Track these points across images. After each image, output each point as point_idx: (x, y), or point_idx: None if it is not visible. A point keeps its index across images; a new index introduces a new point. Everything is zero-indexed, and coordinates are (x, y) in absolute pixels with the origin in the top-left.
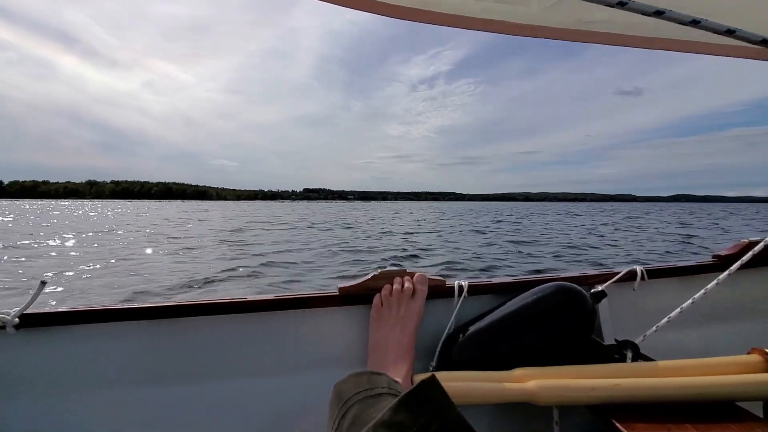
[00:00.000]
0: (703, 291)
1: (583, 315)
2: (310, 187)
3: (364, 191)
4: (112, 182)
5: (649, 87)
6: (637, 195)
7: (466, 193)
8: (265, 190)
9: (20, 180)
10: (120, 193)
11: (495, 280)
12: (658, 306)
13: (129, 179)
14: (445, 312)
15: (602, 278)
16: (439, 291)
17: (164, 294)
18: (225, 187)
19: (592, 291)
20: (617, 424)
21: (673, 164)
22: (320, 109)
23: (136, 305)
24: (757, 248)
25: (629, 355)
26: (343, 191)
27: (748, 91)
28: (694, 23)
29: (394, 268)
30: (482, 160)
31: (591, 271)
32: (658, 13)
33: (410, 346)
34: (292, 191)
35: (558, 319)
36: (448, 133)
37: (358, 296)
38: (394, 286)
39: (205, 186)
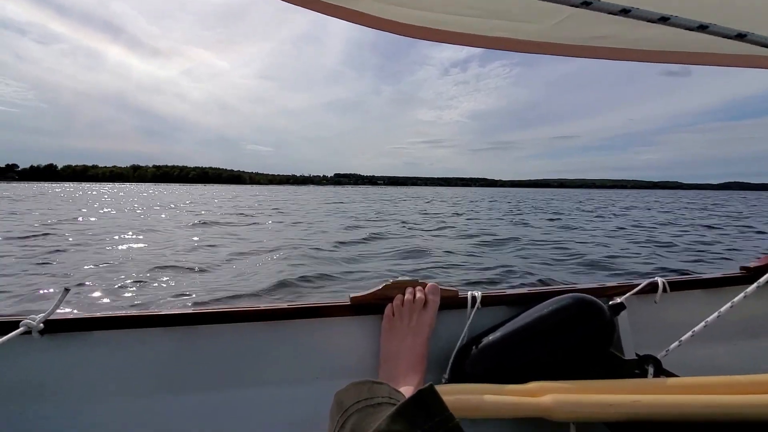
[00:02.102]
0: (729, 304)
1: (601, 328)
2: (341, 173)
3: (394, 177)
4: (154, 167)
5: (698, 66)
6: (683, 182)
7: (498, 179)
8: (297, 175)
9: (72, 165)
10: (160, 176)
11: (509, 291)
12: (682, 319)
13: (169, 164)
14: (458, 323)
15: (622, 290)
16: (452, 302)
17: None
18: (258, 172)
19: (610, 303)
20: None
21: (724, 150)
22: (351, 94)
23: (155, 312)
24: None
25: (650, 370)
26: (373, 176)
27: None
28: (702, 28)
29: (407, 278)
30: (516, 146)
31: (610, 283)
32: (664, 20)
33: (422, 357)
34: (323, 176)
35: (574, 332)
36: (481, 117)
37: (370, 306)
38: (406, 296)
39: (239, 171)
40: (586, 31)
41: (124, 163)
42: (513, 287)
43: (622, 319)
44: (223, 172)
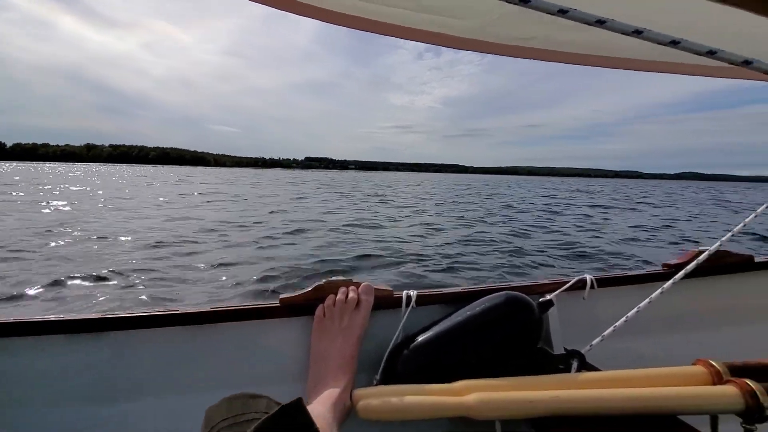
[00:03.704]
0: (647, 300)
1: (529, 325)
2: (312, 156)
3: (365, 161)
4: (111, 146)
5: None
6: (643, 172)
7: (469, 165)
8: (266, 158)
9: (22, 143)
10: (118, 156)
11: (445, 290)
12: (607, 315)
13: (129, 143)
14: (392, 323)
15: (553, 287)
16: (386, 301)
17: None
18: (224, 154)
19: (540, 300)
20: None
21: (681, 141)
22: (323, 75)
23: (58, 318)
24: (702, 257)
25: (575, 365)
26: (345, 161)
27: None
28: (637, 33)
29: (340, 278)
30: (487, 133)
31: (542, 280)
32: (600, 23)
33: (352, 358)
34: (294, 159)
35: (503, 329)
36: (454, 104)
37: (301, 307)
38: (338, 297)
39: (203, 152)
40: (519, 30)
41: (80, 141)
42: (448, 286)
43: (552, 315)
44: (186, 153)
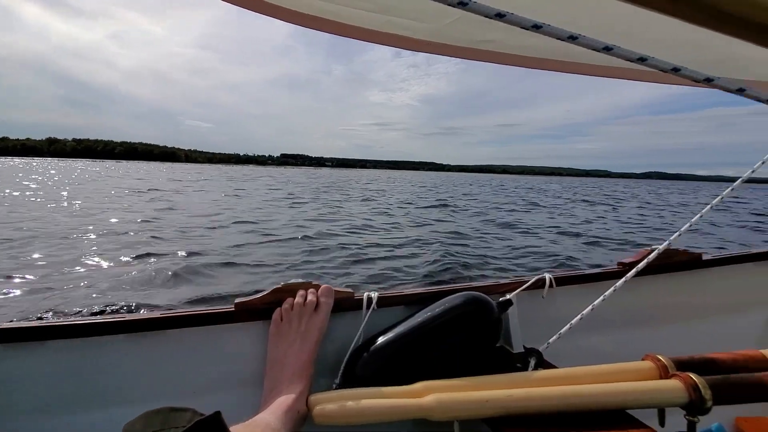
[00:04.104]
0: (601, 298)
1: (488, 324)
2: (288, 153)
3: (343, 159)
4: (74, 140)
5: None
6: (612, 171)
7: (446, 163)
8: (240, 154)
9: None
10: (82, 151)
11: (407, 291)
12: (566, 313)
13: (97, 138)
14: (353, 325)
15: (513, 286)
16: (347, 303)
17: None
18: (196, 149)
19: (500, 300)
20: None
21: (647, 142)
22: (301, 71)
23: None
24: (652, 256)
25: (532, 363)
26: (322, 158)
27: None
28: (572, 39)
29: (299, 280)
30: (464, 131)
31: (503, 280)
32: (536, 27)
33: (309, 362)
34: (269, 156)
35: (463, 330)
36: (432, 102)
37: (257, 311)
38: (296, 300)
39: (174, 147)
40: (476, 33)
41: (42, 135)
42: (410, 287)
43: (512, 314)
44: (155, 148)
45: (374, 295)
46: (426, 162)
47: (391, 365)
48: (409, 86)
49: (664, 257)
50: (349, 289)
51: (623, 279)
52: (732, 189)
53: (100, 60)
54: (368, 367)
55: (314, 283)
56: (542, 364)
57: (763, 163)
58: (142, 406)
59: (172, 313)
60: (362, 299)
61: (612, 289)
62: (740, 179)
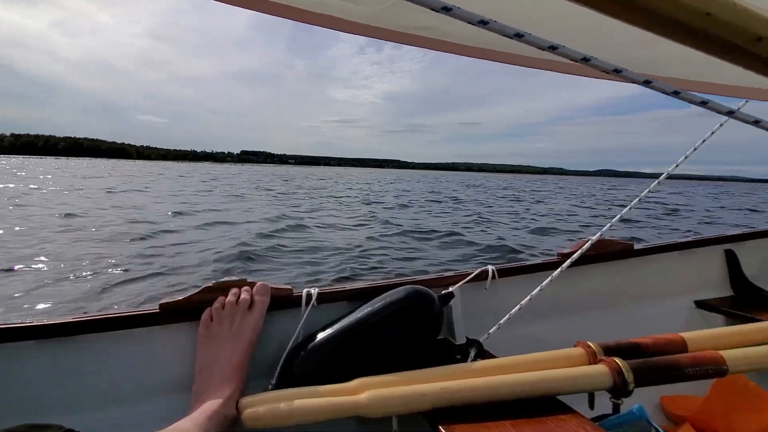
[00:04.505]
0: (538, 289)
1: (429, 317)
2: (249, 150)
3: (306, 156)
4: (12, 135)
5: None
6: (567, 169)
7: (411, 161)
8: (197, 150)
9: None
10: (20, 147)
11: (348, 287)
12: (507, 304)
13: (38, 132)
14: (292, 324)
15: (456, 279)
16: (286, 301)
17: None
18: (149, 146)
19: (443, 292)
20: (442, 429)
21: (601, 142)
22: (262, 65)
23: None
24: (586, 246)
25: (472, 354)
26: (284, 155)
27: None
28: (518, 36)
29: (232, 278)
30: (428, 129)
31: (447, 273)
32: (483, 23)
33: (241, 364)
34: (228, 153)
35: (404, 323)
36: (396, 99)
37: (185, 312)
38: (228, 299)
39: (123, 143)
40: (414, 19)
41: None
42: (353, 282)
43: (455, 306)
44: (103, 144)
45: (314, 291)
46: (391, 160)
47: (331, 363)
48: (373, 83)
49: (599, 247)
50: (288, 286)
51: (558, 270)
52: (657, 183)
53: (44, 50)
54: (306, 366)
55: (249, 280)
56: (482, 354)
57: (685, 158)
58: (56, 418)
59: (88, 317)
60: (301, 296)
61: (548, 279)
62: (662, 175)
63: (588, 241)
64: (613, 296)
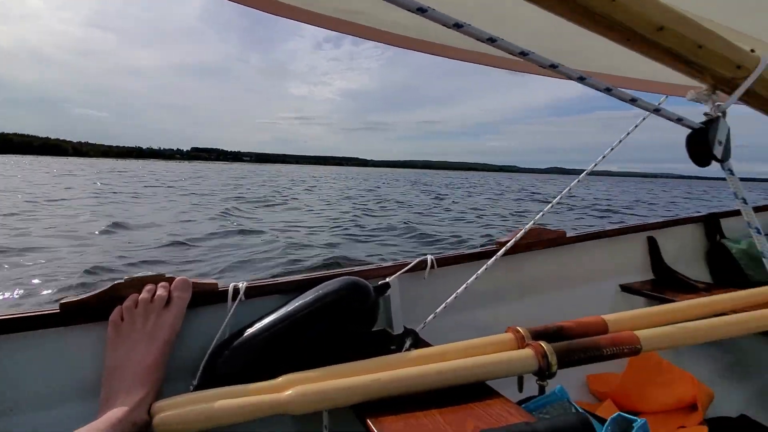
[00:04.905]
0: (474, 277)
1: (365, 308)
2: (200, 147)
3: (263, 153)
4: None
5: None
6: (520, 167)
7: (370, 159)
8: (143, 147)
9: None
10: None
11: (281, 279)
12: (446, 293)
13: None
14: (217, 320)
15: (394, 269)
16: (210, 296)
17: None
18: (88, 142)
19: (380, 283)
20: (369, 422)
21: (551, 141)
22: (215, 58)
23: None
24: (519, 235)
25: (407, 344)
26: (239, 152)
27: None
28: (457, 27)
29: (147, 273)
30: (387, 127)
31: (385, 263)
32: (421, 11)
33: (156, 366)
34: (177, 150)
35: (337, 315)
36: (354, 97)
37: (90, 312)
38: (142, 296)
39: (58, 139)
40: (345, 3)
41: None
42: (287, 275)
43: (394, 296)
44: (35, 139)
45: (242, 285)
46: (350, 157)
47: (258, 360)
48: (331, 80)
49: (534, 236)
50: (213, 280)
51: (493, 258)
52: (578, 180)
53: None
54: (232, 364)
55: (167, 275)
56: (418, 344)
57: (603, 157)
58: None
59: None
60: (227, 290)
61: (484, 267)
62: (584, 172)
63: (521, 230)
64: (548, 282)
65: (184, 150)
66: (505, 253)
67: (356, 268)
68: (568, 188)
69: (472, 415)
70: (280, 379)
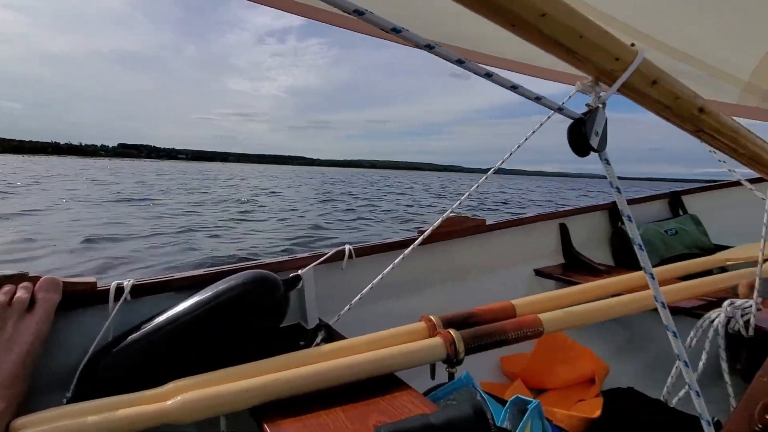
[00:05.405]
0: (390, 267)
1: (271, 304)
2: (129, 142)
3: (200, 151)
4: None
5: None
6: (464, 167)
7: (316, 158)
8: (61, 143)
9: None
10: None
11: (176, 275)
12: (364, 284)
13: None
14: (98, 324)
15: (310, 260)
16: (88, 297)
17: None
18: None
19: (291, 276)
20: (265, 426)
21: (493, 142)
22: (145, 47)
23: None
24: (436, 224)
25: (318, 338)
26: (173, 149)
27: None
28: (358, 14)
29: (5, 272)
30: (333, 126)
31: (301, 255)
32: None
33: (14, 378)
34: (102, 146)
35: (239, 312)
36: (300, 94)
37: None
38: None
39: None
40: None
41: None
42: (183, 270)
43: (308, 289)
44: None
45: (127, 283)
46: (295, 156)
47: (147, 365)
48: (276, 76)
49: (455, 224)
50: (91, 279)
51: (410, 247)
52: (485, 177)
53: None
54: (114, 372)
55: (31, 275)
56: (332, 337)
57: (509, 155)
58: None
59: None
60: (109, 290)
61: (401, 257)
62: (490, 170)
63: (439, 219)
64: (468, 269)
65: (110, 146)
66: (426, 242)
67: (267, 261)
68: (477, 185)
69: (376, 410)
70: (169, 386)
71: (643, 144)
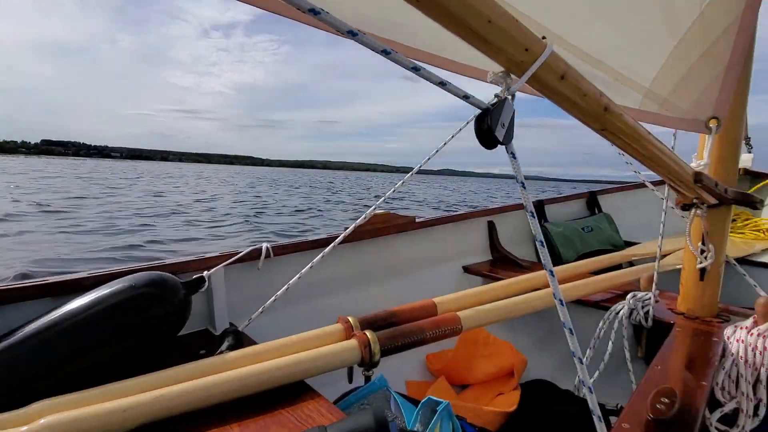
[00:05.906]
0: (309, 266)
1: (167, 310)
2: (53, 139)
3: (137, 149)
4: None
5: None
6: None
7: (266, 158)
8: None
9: None
10: None
11: (51, 279)
12: (283, 284)
13: None
14: None
15: (221, 260)
16: None
17: None
18: None
19: (194, 278)
20: None
21: (442, 144)
22: (74, 36)
23: None
24: (359, 221)
25: (225, 345)
26: (106, 147)
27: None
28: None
29: None
30: (284, 125)
31: (211, 254)
32: None
33: None
34: (23, 142)
35: (128, 320)
36: (248, 91)
37: None
38: None
39: None
40: None
41: None
42: (61, 274)
43: (217, 291)
44: None
45: None
46: (243, 156)
47: (7, 384)
48: (221, 71)
49: (382, 221)
50: None
51: (331, 245)
52: (410, 175)
53: None
54: None
55: None
56: (241, 344)
57: (428, 159)
58: None
59: None
60: None
61: (320, 255)
62: (412, 171)
63: (362, 217)
64: (397, 267)
65: (32, 143)
66: (352, 240)
67: (168, 262)
68: (401, 182)
69: (277, 422)
70: (33, 407)
71: (577, 148)
